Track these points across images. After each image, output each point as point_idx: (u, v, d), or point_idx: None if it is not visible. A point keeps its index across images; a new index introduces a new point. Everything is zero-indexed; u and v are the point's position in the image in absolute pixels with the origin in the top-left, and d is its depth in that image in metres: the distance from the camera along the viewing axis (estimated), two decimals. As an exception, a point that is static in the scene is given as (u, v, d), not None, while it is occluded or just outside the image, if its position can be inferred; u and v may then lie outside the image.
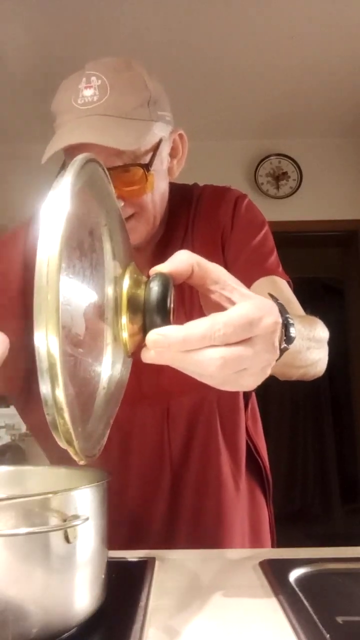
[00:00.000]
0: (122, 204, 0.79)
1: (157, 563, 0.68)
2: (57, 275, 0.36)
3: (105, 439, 0.47)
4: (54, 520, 0.47)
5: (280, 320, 0.45)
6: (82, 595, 0.50)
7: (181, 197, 0.94)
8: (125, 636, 0.48)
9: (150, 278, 0.44)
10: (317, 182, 3.40)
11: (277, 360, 0.53)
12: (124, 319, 0.44)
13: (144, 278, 0.46)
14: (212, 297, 0.46)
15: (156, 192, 0.83)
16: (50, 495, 0.47)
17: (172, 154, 0.88)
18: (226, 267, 0.89)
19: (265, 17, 2.34)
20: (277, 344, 0.45)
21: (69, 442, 0.39)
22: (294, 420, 4.46)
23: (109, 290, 0.46)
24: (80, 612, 0.50)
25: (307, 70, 2.73)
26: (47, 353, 0.36)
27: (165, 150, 0.84)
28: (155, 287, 0.43)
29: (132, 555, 0.72)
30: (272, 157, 3.41)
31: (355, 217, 3.38)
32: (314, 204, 3.39)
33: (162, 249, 0.91)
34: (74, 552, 0.49)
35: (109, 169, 0.75)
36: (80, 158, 0.41)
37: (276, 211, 3.31)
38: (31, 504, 0.46)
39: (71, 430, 0.38)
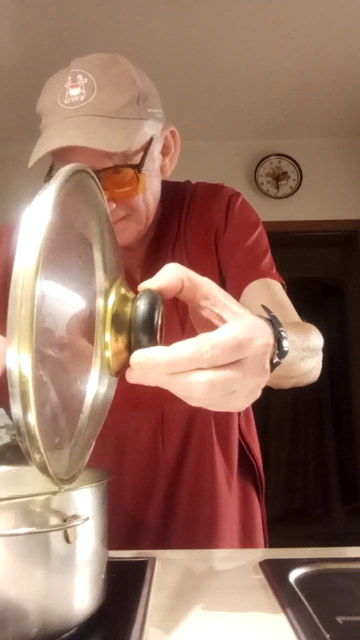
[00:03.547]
0: (114, 206, 0.77)
1: (157, 563, 0.68)
2: (32, 289, 0.33)
3: (86, 460, 0.46)
4: (54, 520, 0.47)
5: (271, 341, 0.43)
6: (82, 595, 0.50)
7: (174, 195, 0.92)
8: (125, 636, 0.48)
9: (138, 295, 0.43)
10: (317, 182, 3.41)
11: (271, 373, 0.52)
12: (108, 337, 0.42)
13: (132, 294, 0.44)
14: (202, 313, 0.44)
15: (148, 193, 0.80)
16: (50, 495, 0.47)
17: (164, 152, 0.84)
18: (219, 267, 0.88)
19: (265, 17, 2.34)
20: (267, 365, 0.43)
21: (43, 470, 0.37)
22: (294, 420, 4.46)
23: (94, 306, 0.44)
24: (80, 612, 0.49)
25: (307, 70, 2.73)
26: (18, 374, 0.33)
27: (156, 148, 0.81)
28: (142, 306, 0.41)
29: (132, 555, 0.72)
30: (272, 157, 3.41)
31: (355, 217, 3.39)
32: (314, 204, 3.39)
33: (154, 248, 0.89)
34: (74, 552, 0.49)
35: (99, 171, 0.73)
36: (67, 169, 0.39)
37: (276, 211, 3.32)
38: (31, 504, 0.46)
39: (45, 458, 0.36)
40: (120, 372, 0.44)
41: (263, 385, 0.44)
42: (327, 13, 2.32)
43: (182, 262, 0.98)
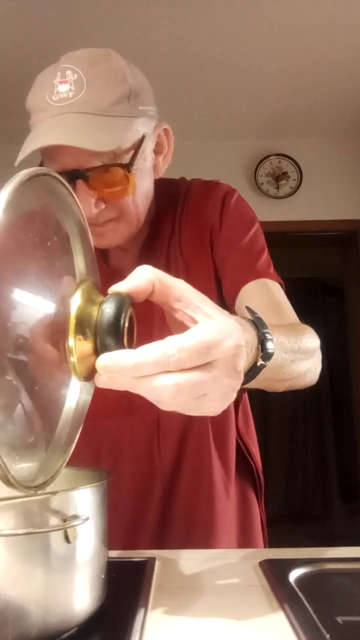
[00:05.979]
0: (103, 206, 0.75)
1: (157, 563, 0.68)
2: None
3: (61, 467, 0.45)
4: (54, 520, 0.47)
5: (242, 343, 0.42)
6: (82, 595, 0.50)
7: (168, 193, 0.90)
8: (125, 636, 0.48)
9: (105, 298, 0.42)
10: (317, 182, 3.41)
11: (256, 376, 0.50)
12: (71, 341, 0.42)
13: (100, 297, 0.44)
14: (176, 316, 0.44)
15: (139, 193, 0.78)
16: (50, 495, 0.47)
17: (157, 151, 0.82)
18: (215, 267, 0.87)
19: (265, 18, 2.34)
20: (240, 368, 0.42)
21: (2, 478, 0.36)
22: (294, 420, 4.46)
23: (61, 310, 0.42)
24: (80, 612, 0.49)
25: (307, 70, 2.73)
26: None
27: (149, 147, 0.79)
28: (107, 309, 0.41)
29: (132, 555, 0.72)
30: (272, 157, 3.41)
31: (355, 217, 3.39)
32: (314, 204, 3.39)
33: (148, 248, 0.88)
34: (74, 552, 0.49)
35: (87, 170, 0.72)
36: (24, 172, 0.38)
37: (276, 211, 3.32)
38: (31, 504, 0.46)
39: (3, 464, 0.35)
40: (90, 377, 0.43)
41: (237, 387, 0.43)
42: (327, 13, 2.32)
43: (176, 262, 0.97)
